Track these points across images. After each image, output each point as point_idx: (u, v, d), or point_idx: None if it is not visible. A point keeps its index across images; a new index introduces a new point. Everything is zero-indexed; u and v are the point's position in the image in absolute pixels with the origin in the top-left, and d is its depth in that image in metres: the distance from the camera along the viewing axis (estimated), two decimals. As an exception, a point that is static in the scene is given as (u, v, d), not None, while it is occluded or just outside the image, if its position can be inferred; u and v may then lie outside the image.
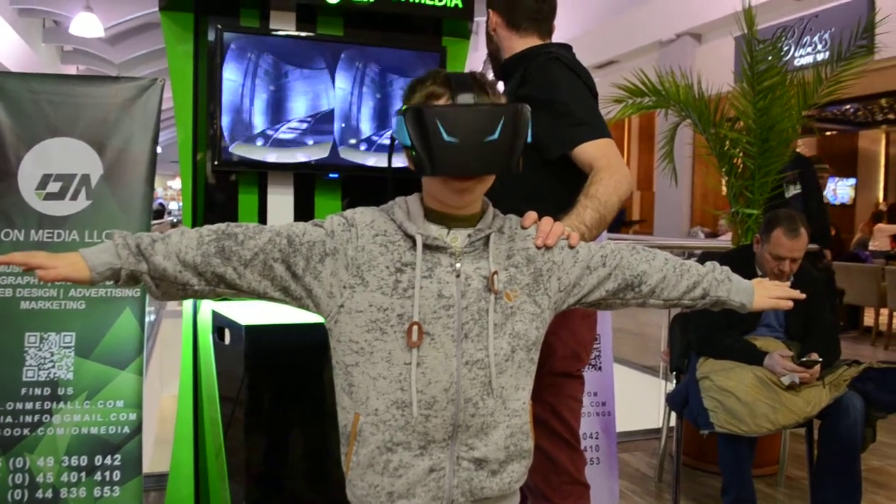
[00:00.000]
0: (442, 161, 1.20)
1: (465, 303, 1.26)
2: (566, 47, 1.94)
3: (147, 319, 7.51)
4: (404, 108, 1.25)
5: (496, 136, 1.21)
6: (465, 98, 1.23)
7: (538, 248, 1.36)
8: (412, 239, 1.27)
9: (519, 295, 1.31)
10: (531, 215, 1.40)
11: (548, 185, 1.79)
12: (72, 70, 15.51)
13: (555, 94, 1.77)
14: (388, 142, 2.50)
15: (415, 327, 1.23)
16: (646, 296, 1.42)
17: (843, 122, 12.05)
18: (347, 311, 1.26)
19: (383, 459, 1.25)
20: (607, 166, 1.67)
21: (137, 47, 13.11)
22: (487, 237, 1.31)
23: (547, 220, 1.40)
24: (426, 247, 1.27)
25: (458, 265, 1.27)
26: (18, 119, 2.40)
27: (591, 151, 1.71)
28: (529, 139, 1.28)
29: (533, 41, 1.95)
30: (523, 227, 1.39)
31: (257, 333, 2.21)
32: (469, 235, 1.30)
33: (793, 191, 4.80)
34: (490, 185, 1.31)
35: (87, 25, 10.06)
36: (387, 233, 1.29)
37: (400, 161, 1.34)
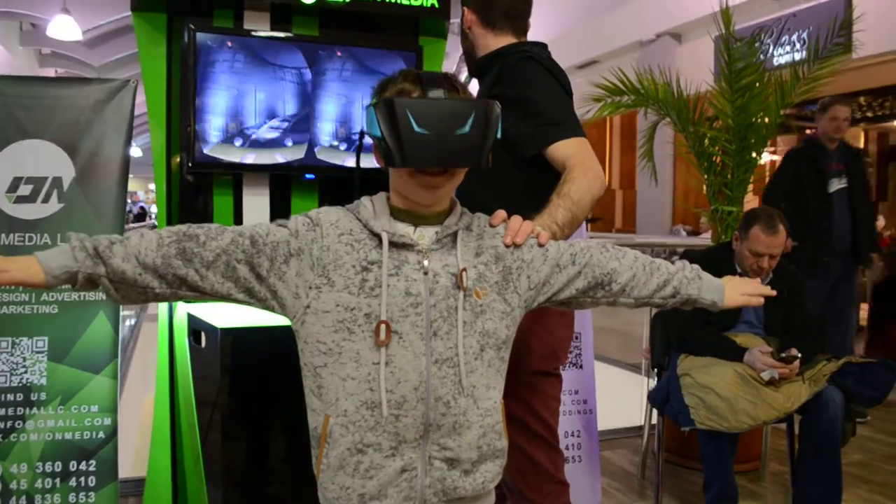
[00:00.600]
0: (411, 152, 1.19)
1: (434, 300, 1.25)
2: (541, 46, 1.93)
3: (128, 323, 7.34)
4: (375, 101, 1.24)
5: (467, 129, 1.20)
6: (436, 94, 1.22)
7: (507, 246, 1.35)
8: (378, 237, 1.26)
9: (488, 293, 1.30)
10: (500, 213, 1.39)
11: (521, 184, 1.78)
12: (50, 73, 15.35)
13: (529, 93, 1.76)
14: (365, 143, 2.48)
15: (382, 326, 1.21)
16: (616, 294, 1.41)
17: (822, 121, 12.12)
18: (314, 311, 1.24)
19: (354, 461, 1.23)
20: (580, 165, 1.66)
21: (116, 50, 13.00)
22: (455, 234, 1.30)
23: (516, 218, 1.39)
24: (392, 244, 1.25)
25: (425, 262, 1.26)
26: (-12, 121, 2.36)
27: (565, 150, 1.70)
28: (499, 135, 1.26)
29: (508, 39, 1.94)
30: (492, 226, 1.38)
31: (233, 336, 2.19)
32: (436, 232, 1.29)
33: (836, 185, 4.34)
34: (460, 183, 1.30)
35: (64, 28, 9.95)
36: (352, 231, 1.27)
37: (369, 161, 1.32)
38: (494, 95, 1.77)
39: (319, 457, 1.27)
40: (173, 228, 1.25)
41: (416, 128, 1.18)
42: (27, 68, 13.88)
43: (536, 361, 1.84)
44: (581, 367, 2.95)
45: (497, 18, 1.93)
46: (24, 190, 2.38)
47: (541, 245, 1.38)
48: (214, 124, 2.38)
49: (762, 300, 1.48)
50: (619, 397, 4.50)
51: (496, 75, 1.83)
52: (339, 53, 2.51)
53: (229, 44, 2.37)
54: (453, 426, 1.26)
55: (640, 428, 3.62)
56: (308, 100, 2.49)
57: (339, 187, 2.63)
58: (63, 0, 9.86)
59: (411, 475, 1.25)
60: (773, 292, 1.49)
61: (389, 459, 1.24)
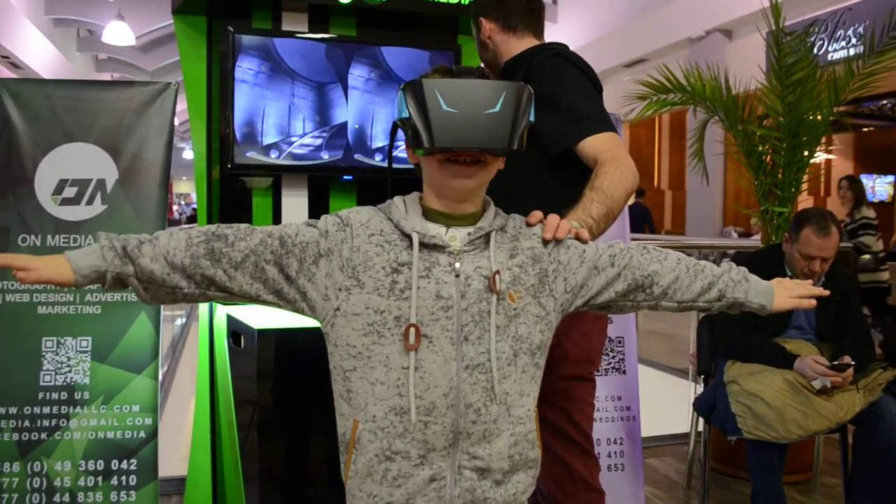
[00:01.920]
0: (440, 132, 1.16)
1: (465, 304, 1.21)
2: (563, 46, 1.91)
3: (178, 322, 7.48)
4: (404, 86, 1.22)
5: (497, 108, 1.17)
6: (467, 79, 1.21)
7: (546, 241, 1.31)
8: (409, 238, 1.23)
9: (523, 296, 1.25)
10: (537, 213, 1.35)
11: (553, 181, 1.75)
12: (106, 78, 15.81)
13: (558, 90, 1.73)
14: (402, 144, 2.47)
15: (412, 329, 1.19)
16: (658, 297, 1.35)
17: (879, 118, 11.73)
18: (343, 314, 1.22)
19: (382, 468, 1.21)
20: (612, 159, 1.62)
21: (169, 55, 13.32)
22: (488, 235, 1.26)
23: (553, 216, 1.35)
24: (423, 245, 1.22)
25: (457, 265, 1.22)
26: (35, 125, 2.41)
27: (596, 145, 1.67)
28: (532, 118, 1.23)
29: (530, 41, 1.92)
30: (529, 225, 1.34)
31: (270, 337, 2.19)
32: (469, 234, 1.25)
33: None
34: (492, 177, 1.26)
35: (118, 34, 10.24)
36: (383, 232, 1.24)
37: (404, 163, 1.30)
38: None
39: (347, 463, 1.25)
40: (203, 228, 1.24)
41: (444, 106, 1.16)
42: (84, 73, 14.33)
43: (572, 366, 1.80)
44: (624, 372, 2.89)
45: (517, 22, 1.92)
46: (69, 192, 2.43)
47: (583, 242, 1.34)
48: (253, 132, 2.40)
49: (814, 302, 1.41)
50: (665, 403, 4.41)
51: (523, 76, 1.80)
52: (376, 54, 2.50)
53: (269, 51, 2.39)
54: (483, 434, 1.22)
55: (687, 435, 3.53)
56: (345, 105, 2.48)
57: (377, 188, 2.62)
58: (118, 7, 10.14)
59: (440, 485, 1.22)
60: (826, 292, 1.42)
61: (418, 468, 1.21)
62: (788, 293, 1.41)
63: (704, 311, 1.41)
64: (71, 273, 1.15)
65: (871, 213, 6.55)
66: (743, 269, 1.41)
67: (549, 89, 1.72)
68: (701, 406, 2.91)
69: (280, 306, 1.26)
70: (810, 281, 1.51)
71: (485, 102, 1.17)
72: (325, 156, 2.48)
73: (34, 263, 1.14)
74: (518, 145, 1.20)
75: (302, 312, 1.27)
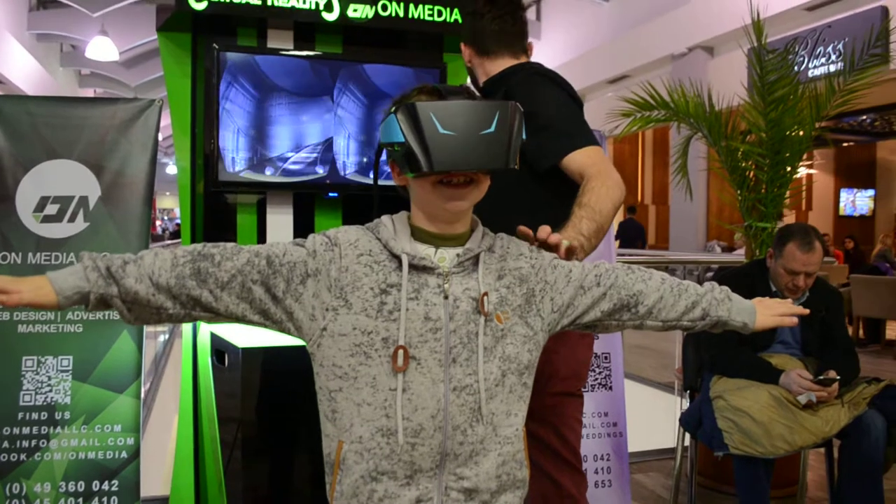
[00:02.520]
0: (439, 155, 1.15)
1: (454, 325, 1.21)
2: (540, 65, 1.93)
3: (160, 339, 7.37)
4: (393, 108, 1.21)
5: (493, 128, 1.17)
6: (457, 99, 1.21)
7: (541, 241, 1.31)
8: (398, 259, 1.22)
9: (510, 317, 1.25)
10: (524, 229, 1.36)
11: (540, 198, 1.75)
12: (89, 93, 15.74)
13: (540, 107, 1.74)
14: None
15: (400, 351, 1.18)
16: (643, 317, 1.36)
17: (860, 133, 11.90)
18: (330, 334, 1.21)
19: (368, 489, 1.19)
20: (598, 174, 1.63)
21: (152, 70, 13.29)
22: (477, 256, 1.26)
23: (544, 228, 1.36)
24: (413, 267, 1.22)
25: (446, 286, 1.22)
26: (16, 141, 2.39)
27: (581, 160, 1.68)
28: (524, 136, 1.24)
29: (507, 62, 1.93)
30: (521, 236, 1.34)
31: (254, 355, 2.17)
32: (458, 255, 1.25)
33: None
34: (481, 198, 1.26)
35: (102, 49, 10.20)
36: (371, 252, 1.23)
37: (389, 179, 1.29)
38: None
39: (333, 484, 1.24)
40: (188, 248, 1.22)
41: (440, 129, 1.15)
42: (67, 88, 14.24)
43: (561, 383, 1.80)
44: (611, 388, 2.88)
45: (490, 45, 1.94)
46: (51, 209, 2.40)
47: (577, 258, 1.35)
48: (238, 146, 2.38)
49: (795, 321, 1.42)
50: (651, 417, 4.41)
51: (504, 96, 1.81)
52: (362, 72, 2.50)
53: (254, 68, 2.38)
54: (470, 454, 1.21)
55: (672, 450, 3.52)
56: (331, 122, 2.48)
57: (362, 206, 2.62)
58: (101, 22, 10.11)
59: (427, 506, 1.20)
60: (806, 311, 1.43)
61: (404, 489, 1.19)
62: (770, 312, 1.41)
63: (688, 331, 1.41)
64: (54, 295, 1.12)
65: None
66: (725, 288, 1.41)
67: (531, 107, 1.73)
68: (687, 422, 2.90)
69: (266, 326, 1.25)
70: (790, 300, 1.51)
71: (480, 123, 1.17)
72: (311, 173, 2.47)
73: (14, 286, 1.10)
74: (514, 162, 1.21)
75: (288, 332, 1.25)
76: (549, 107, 1.75)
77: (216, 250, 1.22)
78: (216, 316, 1.23)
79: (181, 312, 1.21)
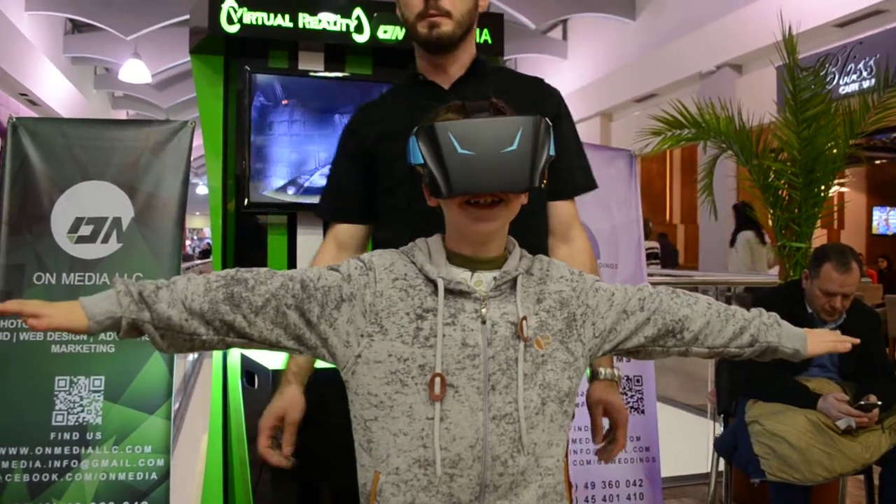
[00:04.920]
0: (458, 177, 1.12)
1: (492, 352, 1.17)
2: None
3: (189, 357, 7.37)
4: (415, 130, 1.19)
5: (514, 146, 1.13)
6: (480, 117, 1.17)
7: None
8: (434, 283, 1.19)
9: (550, 342, 1.21)
10: None
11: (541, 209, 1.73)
12: (122, 115, 16.04)
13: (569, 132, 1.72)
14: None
15: (437, 379, 1.15)
16: (689, 343, 1.31)
17: (892, 150, 11.69)
18: (365, 361, 1.18)
19: (405, 521, 1.17)
20: (580, 227, 1.66)
21: (184, 92, 13.51)
22: (515, 279, 1.22)
23: None
24: (449, 291, 1.19)
25: (483, 311, 1.19)
26: (51, 163, 2.42)
27: (574, 211, 1.67)
28: (552, 153, 1.18)
29: None
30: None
31: (284, 377, 2.16)
32: (495, 278, 1.22)
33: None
34: (513, 218, 1.22)
35: (135, 72, 10.42)
36: (406, 276, 1.21)
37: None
38: None
39: (368, 515, 1.21)
40: (221, 272, 1.21)
41: (459, 150, 1.12)
42: (101, 111, 14.53)
43: None
44: (643, 412, 2.83)
45: None
46: (85, 230, 2.43)
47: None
48: (269, 170, 2.40)
49: (848, 346, 1.37)
50: (683, 441, 4.32)
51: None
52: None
53: (285, 92, 2.40)
54: (510, 486, 1.18)
55: (707, 475, 3.45)
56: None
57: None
58: (134, 45, 10.31)
59: (465, 539, 1.17)
60: (857, 340, 1.38)
61: None
62: (821, 338, 1.37)
63: (735, 358, 1.36)
64: (85, 319, 1.12)
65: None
66: (774, 314, 1.37)
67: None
68: (722, 447, 2.85)
69: (300, 352, 1.23)
70: (838, 332, 1.47)
71: (501, 141, 1.13)
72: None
73: (46, 310, 1.09)
74: (539, 182, 1.16)
75: (322, 358, 1.24)
76: (576, 135, 1.74)
77: (249, 275, 1.21)
78: (249, 342, 1.21)
79: (214, 339, 1.19)
